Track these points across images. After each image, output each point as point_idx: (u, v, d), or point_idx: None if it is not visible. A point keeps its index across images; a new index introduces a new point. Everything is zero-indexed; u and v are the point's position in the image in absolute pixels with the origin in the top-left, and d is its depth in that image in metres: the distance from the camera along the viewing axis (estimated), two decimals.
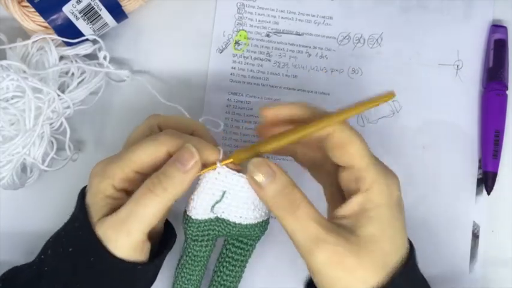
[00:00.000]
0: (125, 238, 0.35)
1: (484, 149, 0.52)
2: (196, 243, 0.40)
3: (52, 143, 0.47)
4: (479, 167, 0.52)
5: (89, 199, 0.37)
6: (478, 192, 0.52)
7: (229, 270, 0.41)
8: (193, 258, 0.41)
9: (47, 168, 0.46)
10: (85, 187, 0.39)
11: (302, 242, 0.34)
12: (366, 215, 0.34)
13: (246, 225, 0.39)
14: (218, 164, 0.37)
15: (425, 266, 0.40)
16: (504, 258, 0.52)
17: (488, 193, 0.52)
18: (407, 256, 0.36)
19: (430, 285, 0.39)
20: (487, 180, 0.51)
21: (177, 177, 0.36)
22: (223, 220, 0.39)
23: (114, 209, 0.36)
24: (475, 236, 0.52)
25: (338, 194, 0.38)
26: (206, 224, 0.39)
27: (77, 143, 0.50)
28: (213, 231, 0.40)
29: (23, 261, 0.40)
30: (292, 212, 0.34)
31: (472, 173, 0.52)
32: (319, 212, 0.35)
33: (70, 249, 0.36)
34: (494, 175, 0.51)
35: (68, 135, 0.47)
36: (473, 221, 0.52)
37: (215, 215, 0.39)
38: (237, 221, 0.39)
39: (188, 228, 0.39)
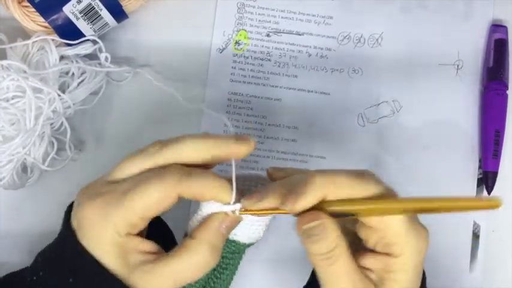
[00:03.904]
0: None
1: (484, 149, 0.52)
2: None
3: (52, 143, 0.47)
4: (480, 167, 0.52)
5: (93, 245, 0.33)
6: (478, 192, 0.52)
7: (222, 280, 0.39)
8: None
9: (48, 168, 0.46)
10: (69, 210, 0.36)
11: None
12: (392, 277, 0.34)
13: (253, 242, 0.38)
14: (237, 213, 0.35)
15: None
16: (504, 258, 0.52)
17: (489, 193, 0.52)
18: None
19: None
20: (487, 180, 0.51)
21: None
22: (233, 241, 0.37)
23: (123, 254, 0.33)
24: (476, 236, 0.51)
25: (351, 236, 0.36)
26: None
27: (78, 143, 0.50)
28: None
29: (23, 261, 0.40)
30: (330, 264, 0.33)
31: (472, 172, 0.52)
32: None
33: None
34: (494, 175, 0.51)
35: (68, 135, 0.47)
36: (474, 221, 0.52)
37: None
38: (247, 242, 0.37)
39: None
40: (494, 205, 0.30)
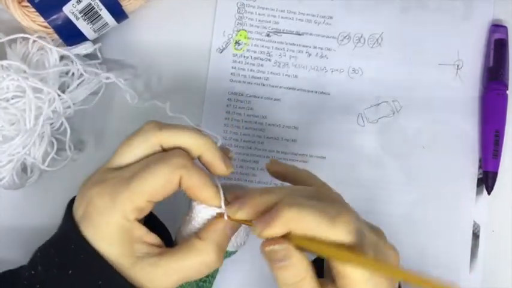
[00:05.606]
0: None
1: (484, 149, 0.52)
2: None
3: (52, 143, 0.47)
4: (480, 167, 0.52)
5: (99, 234, 0.33)
6: (479, 192, 0.52)
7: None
8: None
9: (47, 168, 0.46)
10: (70, 204, 0.36)
11: None
12: None
13: (235, 251, 0.38)
14: (225, 217, 0.35)
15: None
16: (504, 258, 0.52)
17: (489, 193, 0.52)
18: None
19: None
20: (487, 180, 0.51)
21: None
22: None
23: (129, 242, 0.34)
24: (476, 236, 0.51)
25: None
26: None
27: (78, 143, 0.50)
28: None
29: (23, 261, 0.40)
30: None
31: (472, 172, 0.52)
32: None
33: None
34: (494, 175, 0.51)
35: (68, 135, 0.47)
36: (474, 221, 0.52)
37: None
38: (231, 249, 0.37)
39: None
40: None
